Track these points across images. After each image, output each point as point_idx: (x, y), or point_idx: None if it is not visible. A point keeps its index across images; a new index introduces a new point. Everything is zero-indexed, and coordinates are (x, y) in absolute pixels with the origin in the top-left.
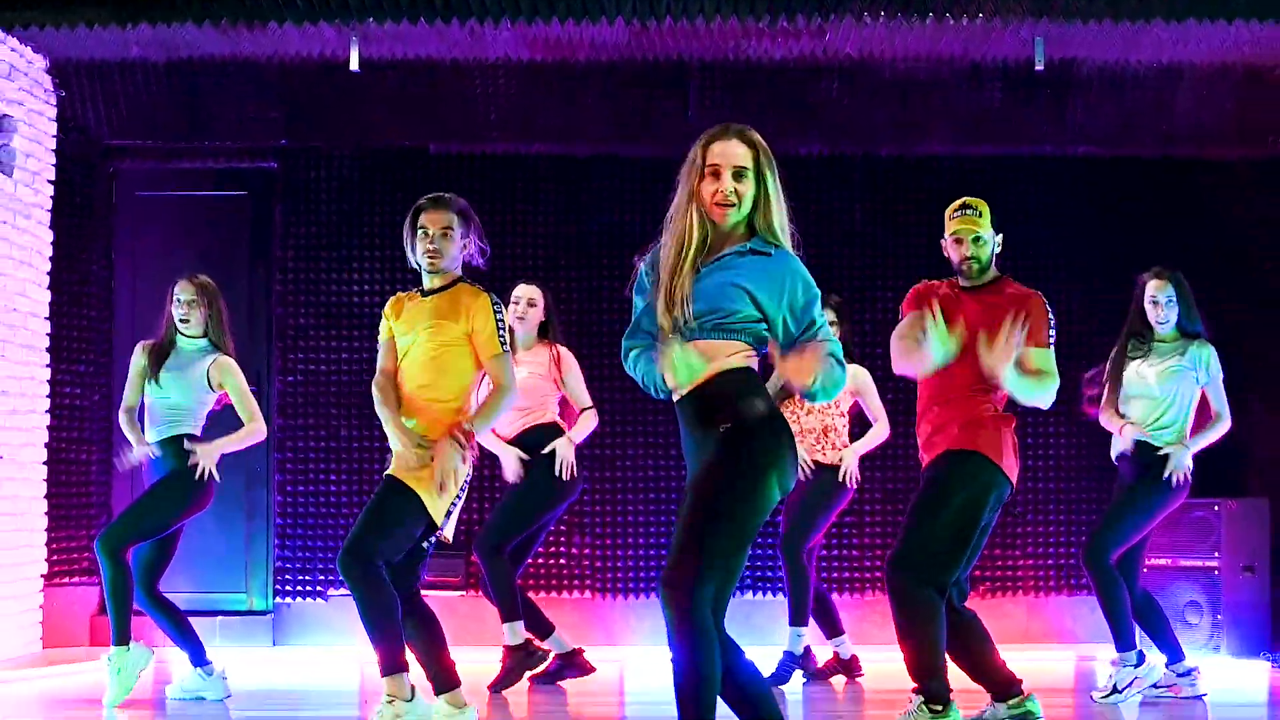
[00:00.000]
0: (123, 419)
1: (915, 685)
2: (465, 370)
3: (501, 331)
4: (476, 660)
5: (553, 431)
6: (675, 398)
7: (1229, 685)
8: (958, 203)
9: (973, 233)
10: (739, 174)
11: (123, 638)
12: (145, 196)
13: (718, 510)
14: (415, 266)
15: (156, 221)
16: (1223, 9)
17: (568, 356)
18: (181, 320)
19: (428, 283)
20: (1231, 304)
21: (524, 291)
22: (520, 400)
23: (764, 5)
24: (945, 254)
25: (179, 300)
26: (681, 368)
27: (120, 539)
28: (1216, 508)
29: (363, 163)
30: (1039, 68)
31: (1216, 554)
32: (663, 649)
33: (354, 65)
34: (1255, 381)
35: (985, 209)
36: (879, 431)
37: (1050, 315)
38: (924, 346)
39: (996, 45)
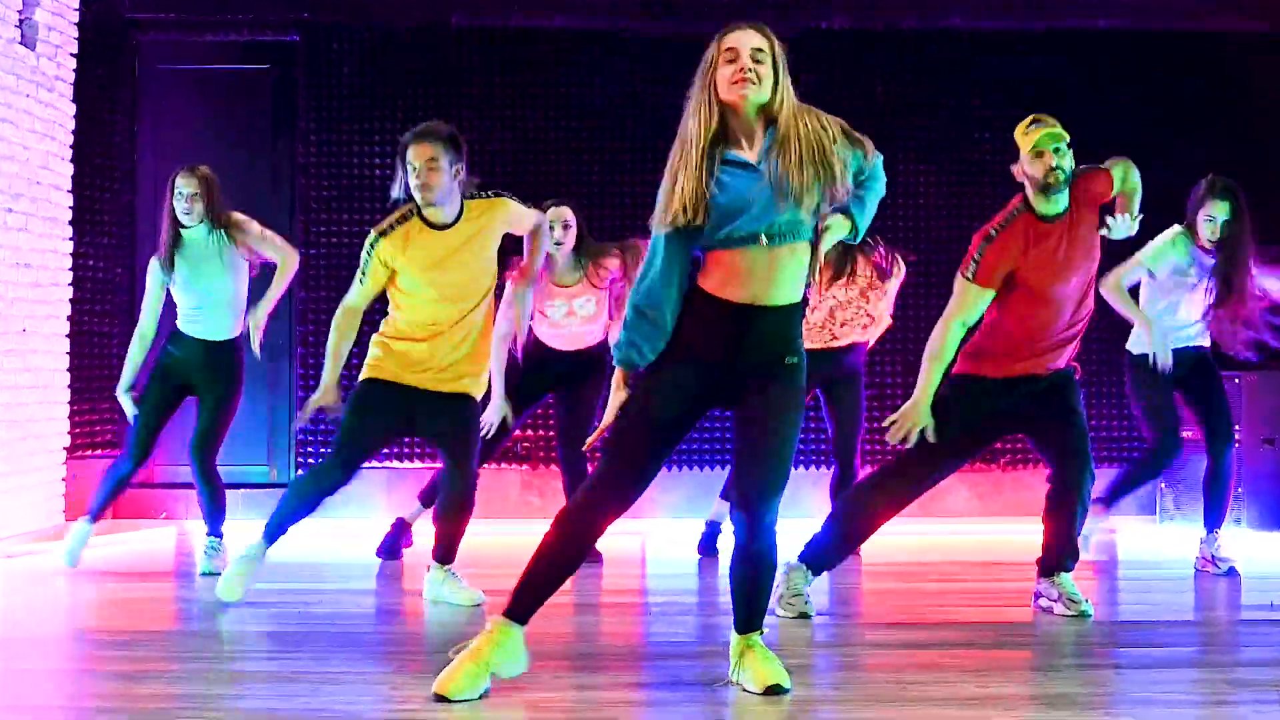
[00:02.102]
0: (135, 346)
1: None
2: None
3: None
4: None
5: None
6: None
7: (1250, 556)
8: (1028, 119)
9: (1056, 141)
10: (756, 56)
11: None
12: (168, 70)
13: None
14: (406, 198)
15: (179, 94)
16: None
17: (613, 259)
18: (184, 214)
19: (435, 216)
20: (1254, 176)
21: (557, 214)
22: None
23: None
24: (1021, 178)
25: (180, 194)
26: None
27: None
28: (1237, 380)
29: (385, 36)
30: None
31: (1237, 427)
32: (681, 522)
33: None
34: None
35: (1057, 121)
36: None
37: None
38: None
39: None
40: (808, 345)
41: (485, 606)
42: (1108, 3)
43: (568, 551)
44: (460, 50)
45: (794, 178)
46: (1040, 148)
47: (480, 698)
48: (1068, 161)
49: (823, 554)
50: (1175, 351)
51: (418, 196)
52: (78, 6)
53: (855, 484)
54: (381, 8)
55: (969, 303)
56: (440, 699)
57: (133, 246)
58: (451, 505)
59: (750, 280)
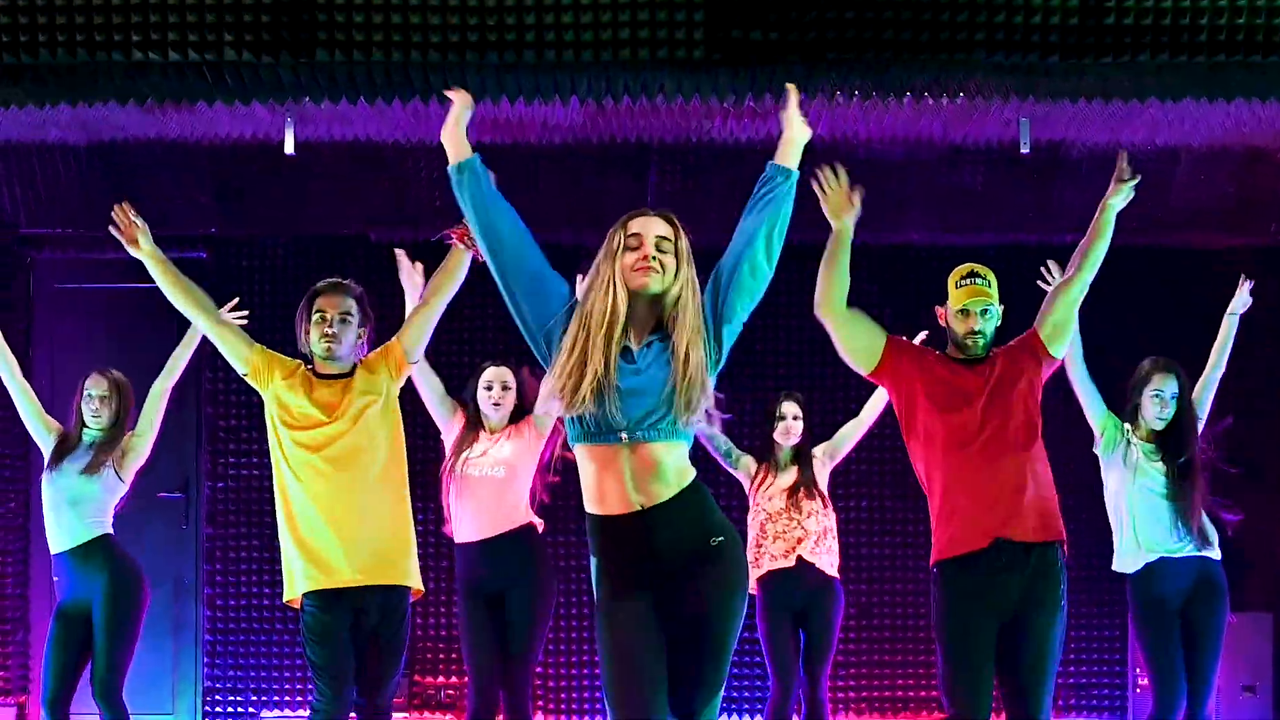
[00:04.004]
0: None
1: None
2: (394, 432)
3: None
4: None
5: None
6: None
7: None
8: (964, 269)
9: (984, 304)
10: (661, 245)
11: None
12: (64, 289)
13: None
14: (305, 352)
15: (77, 314)
16: (1222, 88)
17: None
18: (93, 417)
19: (326, 369)
20: (1226, 401)
21: (496, 374)
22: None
23: (728, 84)
24: (942, 324)
25: (89, 395)
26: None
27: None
28: None
29: (298, 251)
30: (1025, 150)
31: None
32: None
33: (289, 148)
34: (1253, 487)
35: (993, 278)
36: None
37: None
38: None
39: (979, 126)
40: (772, 567)
41: None
42: (1072, 219)
43: None
44: (378, 266)
45: (680, 389)
46: (968, 308)
47: None
48: (991, 326)
49: None
50: (1178, 562)
51: (319, 348)
52: None
53: None
54: (294, 222)
55: (860, 324)
56: None
57: (27, 477)
58: None
59: (618, 484)
